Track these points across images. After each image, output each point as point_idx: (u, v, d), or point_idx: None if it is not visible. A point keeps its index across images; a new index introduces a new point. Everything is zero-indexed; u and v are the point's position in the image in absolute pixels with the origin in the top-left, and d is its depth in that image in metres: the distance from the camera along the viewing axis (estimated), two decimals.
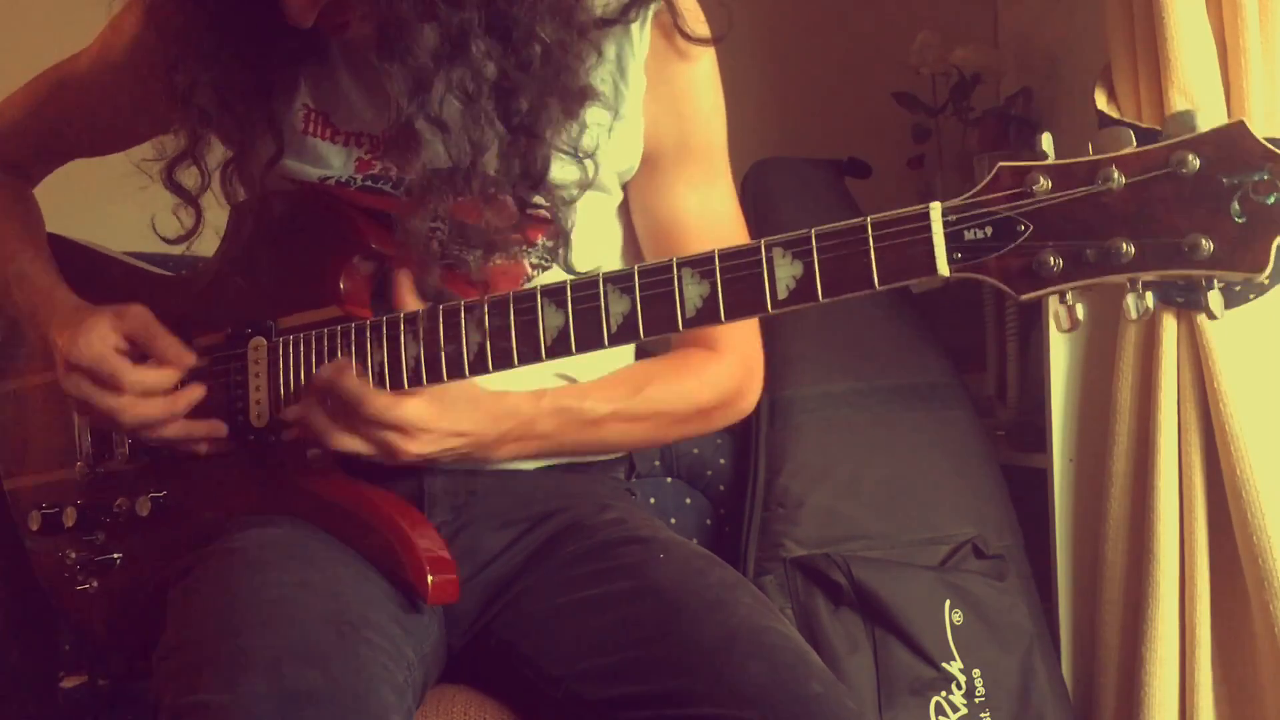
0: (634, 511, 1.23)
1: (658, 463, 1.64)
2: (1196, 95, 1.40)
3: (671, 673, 0.99)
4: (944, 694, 1.54)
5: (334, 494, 1.10)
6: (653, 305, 0.94)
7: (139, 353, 1.14)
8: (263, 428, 1.12)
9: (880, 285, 0.87)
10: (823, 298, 0.89)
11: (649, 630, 1.03)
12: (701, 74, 1.17)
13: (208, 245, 1.22)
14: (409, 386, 1.04)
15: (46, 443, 1.28)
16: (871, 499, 1.65)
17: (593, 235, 1.19)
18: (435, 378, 1.03)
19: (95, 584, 1.23)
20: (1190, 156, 0.79)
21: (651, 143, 1.17)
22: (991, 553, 1.66)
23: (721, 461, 1.68)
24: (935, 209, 0.86)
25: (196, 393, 1.14)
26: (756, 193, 1.35)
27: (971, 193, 0.85)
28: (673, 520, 1.65)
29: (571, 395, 1.15)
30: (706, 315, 0.93)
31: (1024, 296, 0.84)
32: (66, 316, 1.17)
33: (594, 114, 1.09)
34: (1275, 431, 1.46)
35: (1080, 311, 0.84)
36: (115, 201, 1.25)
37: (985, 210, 0.84)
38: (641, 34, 1.13)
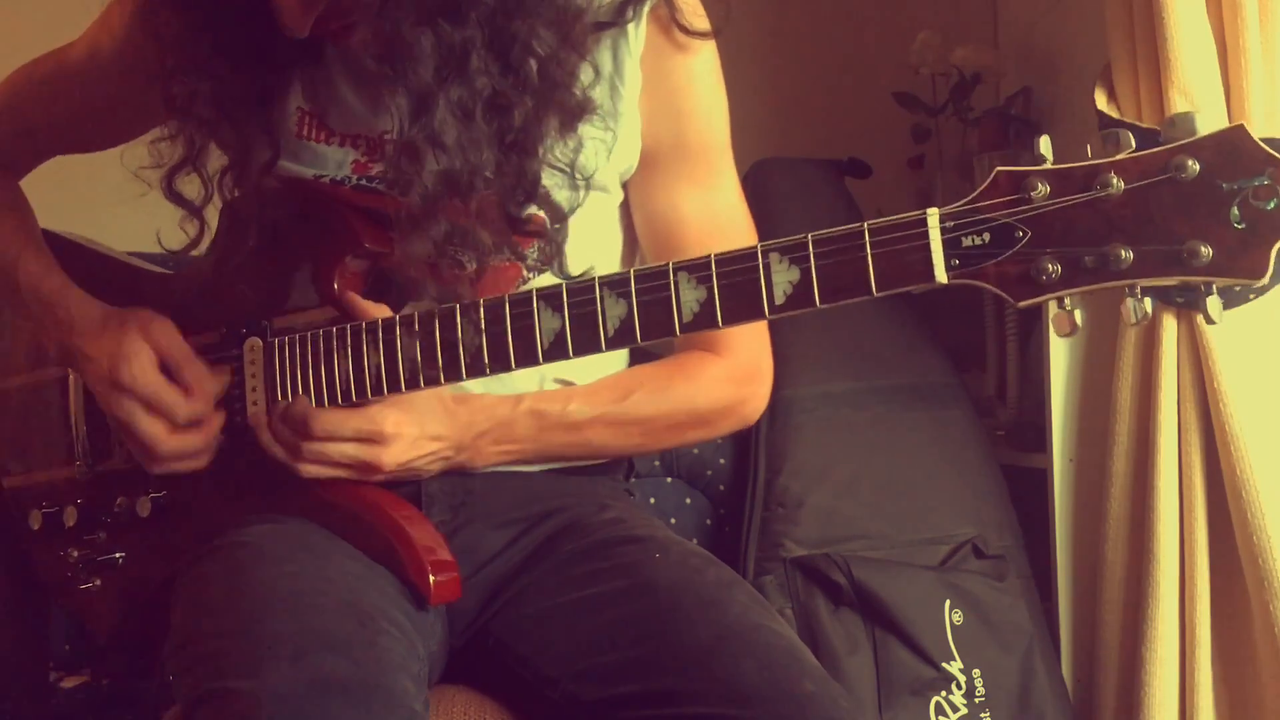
0: (633, 511, 1.23)
1: (657, 463, 1.65)
2: (1196, 95, 1.40)
3: (666, 672, 0.99)
4: (944, 694, 1.54)
5: (334, 495, 1.10)
6: (649, 310, 0.94)
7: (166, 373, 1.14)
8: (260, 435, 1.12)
9: (878, 292, 0.87)
10: (820, 304, 0.89)
11: (644, 629, 1.03)
12: (700, 69, 1.15)
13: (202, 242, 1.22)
14: (406, 389, 1.04)
15: (45, 441, 1.27)
16: (871, 499, 1.65)
17: (591, 235, 1.18)
18: (432, 380, 1.03)
19: (98, 582, 1.23)
20: (1190, 161, 0.78)
21: (649, 140, 1.16)
22: (991, 553, 1.66)
23: (721, 461, 1.68)
24: (933, 215, 0.85)
25: (220, 421, 1.14)
26: (756, 193, 1.35)
27: (969, 198, 0.85)
28: (673, 520, 1.65)
29: (552, 399, 1.15)
30: (704, 320, 0.92)
31: (1022, 303, 0.84)
32: (94, 327, 1.16)
33: (593, 129, 1.08)
34: (1275, 431, 1.46)
35: (1079, 317, 0.84)
36: (113, 204, 1.24)
37: (983, 216, 0.84)
38: (637, 30, 1.11)
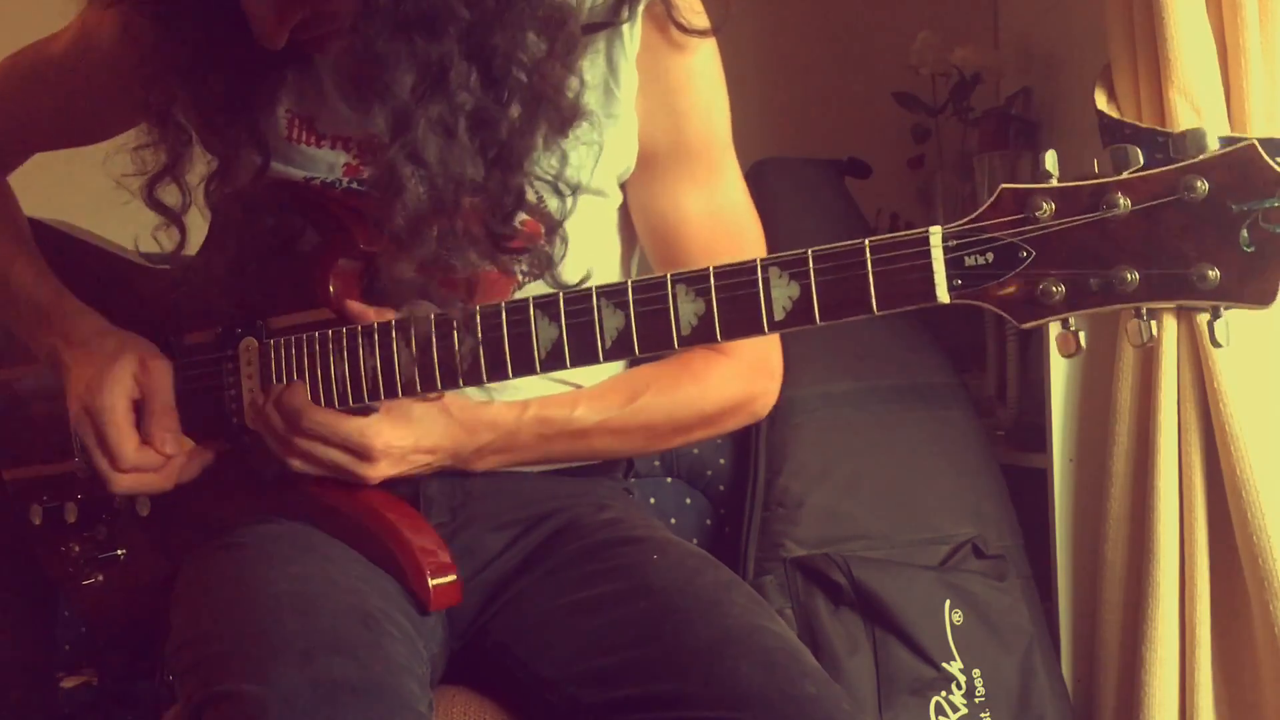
0: (631, 511, 1.23)
1: (657, 463, 1.64)
2: (1196, 95, 1.40)
3: (665, 675, 0.98)
4: (944, 694, 1.54)
5: (335, 500, 1.10)
6: (647, 321, 0.93)
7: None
8: (257, 430, 1.12)
9: (878, 311, 0.86)
10: (820, 321, 0.88)
11: (643, 632, 1.02)
12: (697, 67, 1.14)
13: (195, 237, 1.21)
14: (403, 394, 1.03)
15: (45, 435, 1.26)
16: (871, 499, 1.65)
17: (588, 240, 1.17)
18: (429, 386, 1.02)
19: (100, 578, 1.23)
20: (1199, 182, 0.76)
21: (646, 141, 1.14)
22: (991, 553, 1.66)
23: (721, 461, 1.68)
24: (935, 234, 0.84)
25: (190, 465, 1.14)
26: (756, 193, 1.34)
27: (973, 216, 0.83)
28: (673, 520, 1.65)
29: (558, 405, 1.14)
30: (702, 334, 0.92)
31: (1025, 325, 0.83)
32: (87, 343, 1.15)
33: (582, 135, 1.07)
34: (1275, 431, 1.46)
35: (1083, 338, 0.83)
36: (93, 210, 1.24)
37: (987, 236, 0.82)
38: (632, 30, 1.10)
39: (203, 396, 1.15)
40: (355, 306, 1.07)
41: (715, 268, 0.91)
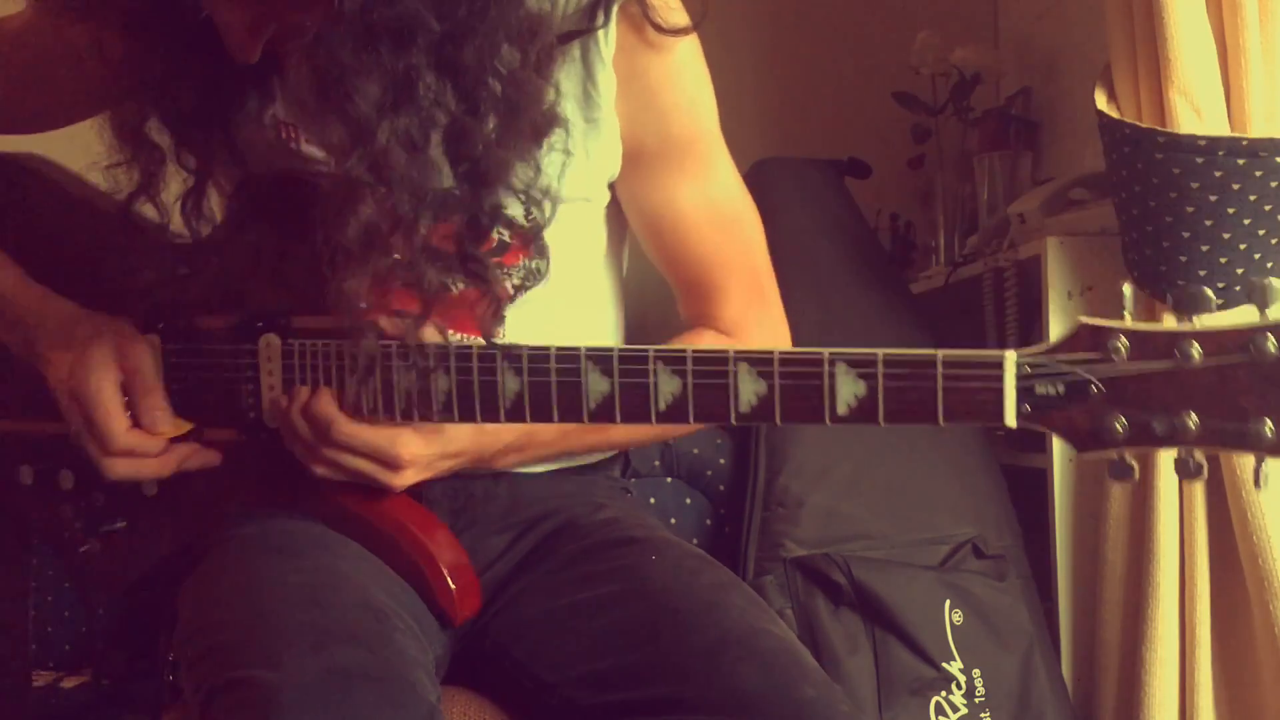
0: (629, 511, 1.23)
1: (657, 463, 1.64)
2: (1196, 95, 1.40)
3: (664, 678, 0.98)
4: (944, 694, 1.54)
5: (354, 505, 1.09)
6: (705, 392, 0.93)
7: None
8: (276, 428, 1.10)
9: (944, 423, 0.87)
10: (884, 423, 0.88)
11: (641, 634, 1.02)
12: (678, 63, 1.12)
13: None
14: (437, 420, 1.02)
15: (35, 389, 1.18)
16: (871, 499, 1.65)
17: (576, 245, 1.18)
18: (468, 418, 1.00)
19: (98, 546, 1.20)
20: (1270, 344, 0.80)
21: (631, 141, 1.13)
22: (991, 553, 1.66)
23: (721, 461, 1.68)
24: (1010, 360, 0.85)
25: (189, 458, 1.11)
26: (756, 193, 1.35)
27: (1049, 346, 0.85)
28: (673, 520, 1.65)
29: None
30: (761, 413, 0.91)
31: (1086, 454, 0.85)
32: (60, 329, 1.11)
33: (558, 142, 1.05)
34: None
35: (1136, 470, 0.86)
36: None
37: (1062, 369, 0.85)
38: (607, 34, 1.09)
39: (216, 385, 1.12)
40: (390, 324, 1.04)
41: (781, 353, 0.91)
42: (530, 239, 1.10)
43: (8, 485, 1.23)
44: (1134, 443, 0.84)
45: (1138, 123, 1.45)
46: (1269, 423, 0.80)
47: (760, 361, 0.91)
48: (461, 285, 1.13)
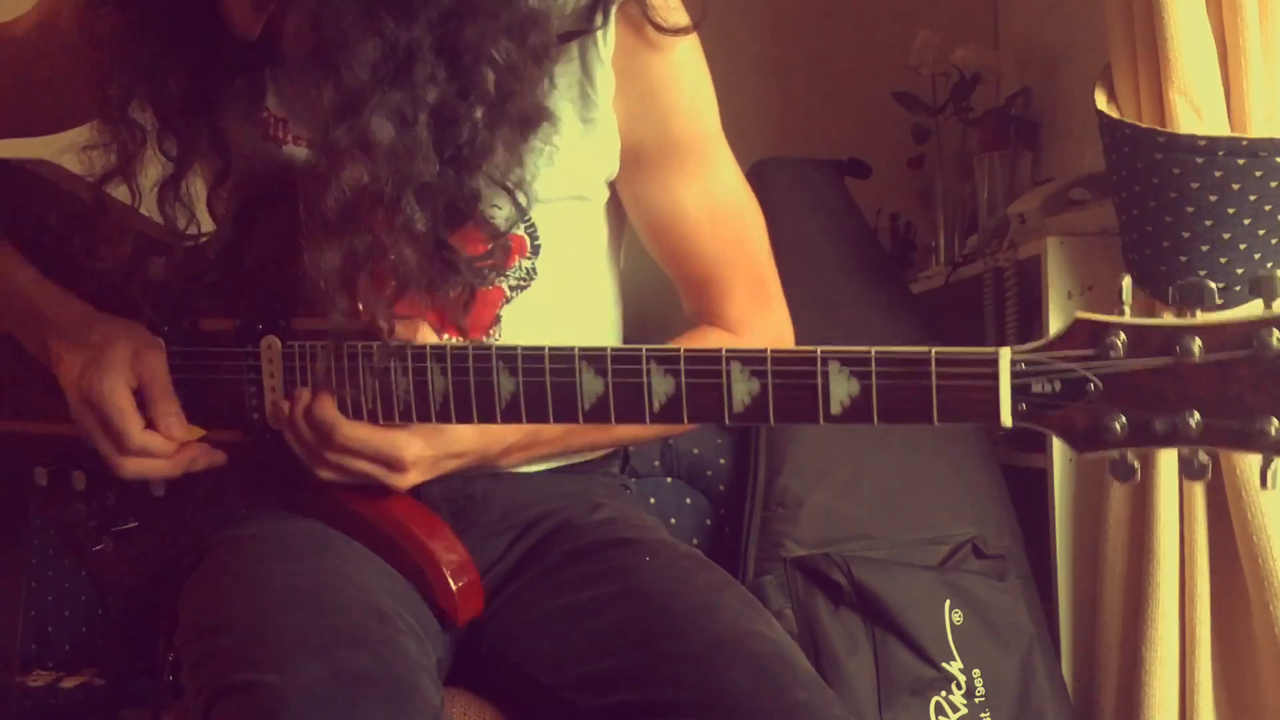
0: (626, 509, 1.22)
1: (657, 463, 1.64)
2: (1196, 95, 1.40)
3: (658, 682, 0.98)
4: (944, 694, 1.54)
5: (357, 506, 1.09)
6: (699, 392, 0.92)
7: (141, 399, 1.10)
8: (280, 430, 1.10)
9: (939, 421, 0.85)
10: (878, 422, 0.87)
11: (635, 636, 1.02)
12: (678, 63, 1.12)
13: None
14: (436, 421, 1.02)
15: (50, 392, 1.19)
16: (871, 499, 1.65)
17: (572, 243, 1.17)
18: (465, 419, 1.00)
19: (111, 545, 1.20)
20: (1274, 338, 0.77)
21: (631, 141, 1.13)
22: (991, 553, 1.66)
23: (721, 461, 1.68)
24: (1004, 356, 0.83)
25: (198, 459, 1.12)
26: (757, 193, 1.35)
27: (1045, 343, 0.83)
28: (673, 520, 1.64)
29: None
30: (754, 413, 0.90)
31: (1085, 455, 0.83)
32: (74, 329, 1.12)
33: (542, 137, 1.04)
34: None
35: (1138, 470, 0.83)
36: None
37: (1057, 365, 0.82)
38: (605, 34, 1.08)
39: (220, 388, 1.13)
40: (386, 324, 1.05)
41: (773, 352, 0.90)
42: (493, 235, 1.09)
43: (23, 486, 1.24)
44: (1134, 442, 0.81)
45: (1138, 123, 1.45)
46: (1275, 421, 0.77)
47: (753, 361, 0.90)
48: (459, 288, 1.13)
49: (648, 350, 0.93)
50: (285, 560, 1.01)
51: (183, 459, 1.11)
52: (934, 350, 0.85)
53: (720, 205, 1.18)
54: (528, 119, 0.99)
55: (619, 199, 1.20)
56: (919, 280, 2.27)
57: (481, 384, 0.99)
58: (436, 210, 0.97)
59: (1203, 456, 0.81)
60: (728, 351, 0.91)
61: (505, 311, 1.16)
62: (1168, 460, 1.51)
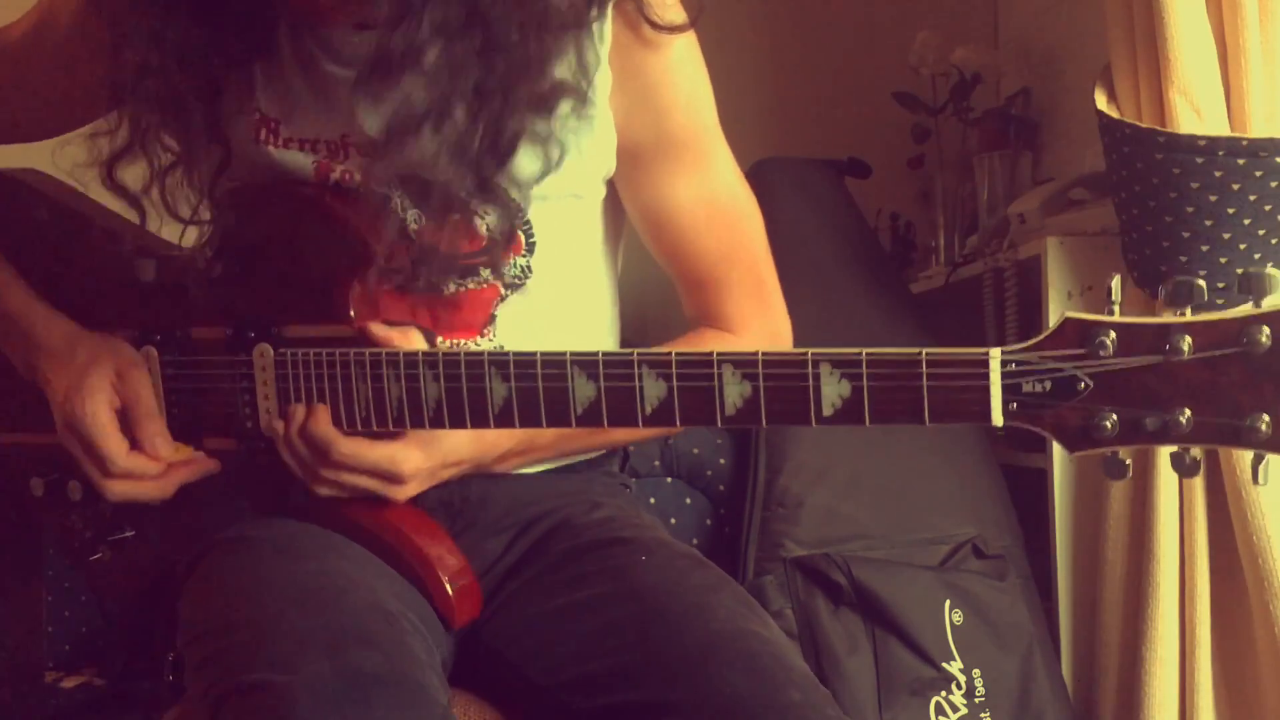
0: (625, 508, 1.22)
1: (657, 463, 1.64)
2: (1196, 95, 1.40)
3: (652, 682, 0.98)
4: (944, 694, 1.54)
5: (354, 512, 1.09)
6: (690, 395, 0.92)
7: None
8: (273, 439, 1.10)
9: (930, 422, 0.85)
10: (870, 423, 0.87)
11: (630, 637, 1.02)
12: (675, 59, 1.12)
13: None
14: (430, 427, 1.02)
15: (45, 404, 1.20)
16: (871, 499, 1.65)
17: (569, 239, 1.17)
18: (458, 425, 1.01)
19: (108, 554, 1.21)
20: (1263, 335, 0.77)
21: (627, 137, 1.13)
22: (991, 553, 1.66)
23: (721, 461, 1.68)
24: (995, 357, 0.83)
25: (188, 479, 1.12)
26: (756, 193, 1.35)
27: (1034, 342, 0.83)
28: (673, 520, 1.64)
29: None
30: (746, 415, 0.91)
31: (1076, 454, 0.83)
32: (60, 351, 1.12)
33: (563, 111, 1.06)
34: None
35: (1130, 467, 0.84)
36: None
37: (1047, 365, 0.82)
38: (602, 29, 1.08)
39: (213, 396, 1.13)
40: (379, 331, 1.05)
41: (764, 354, 0.90)
42: (519, 237, 1.11)
43: (19, 497, 1.24)
44: (1125, 440, 0.81)
45: (1138, 123, 1.45)
46: (1266, 418, 0.77)
47: (745, 364, 0.90)
48: (454, 287, 1.13)
49: (639, 354, 0.94)
50: (288, 561, 1.01)
51: (171, 480, 1.11)
52: (925, 351, 0.85)
53: (718, 203, 1.18)
54: (556, 84, 1.03)
55: (617, 199, 1.20)
56: (919, 280, 2.27)
57: (474, 390, 0.99)
58: (480, 144, 0.99)
59: (1194, 453, 0.82)
60: (719, 354, 0.91)
61: (500, 311, 1.16)
62: (1167, 461, 1.51)
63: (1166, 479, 1.51)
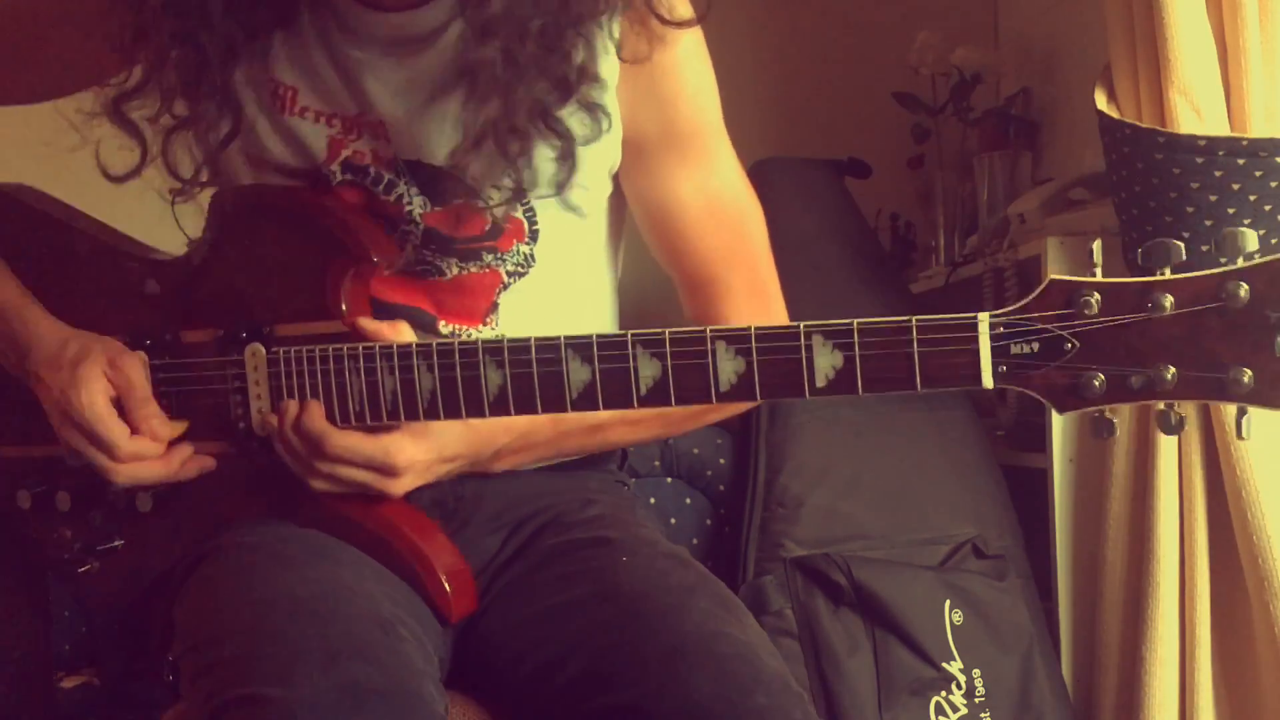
0: (617, 506, 1.22)
1: (657, 463, 1.64)
2: (1196, 95, 1.40)
3: (626, 685, 0.98)
4: (944, 694, 1.54)
5: (348, 509, 1.09)
6: (685, 373, 0.93)
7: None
8: (267, 438, 1.10)
9: (922, 388, 0.87)
10: (863, 392, 0.88)
11: (605, 640, 1.01)
12: (682, 54, 1.12)
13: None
14: (425, 418, 1.02)
15: (31, 414, 1.19)
16: (871, 499, 1.65)
17: (573, 231, 1.18)
18: (453, 414, 1.01)
19: (96, 566, 1.21)
20: (1241, 289, 0.79)
21: (632, 131, 1.13)
22: (991, 553, 1.66)
23: (721, 461, 1.68)
24: (983, 320, 0.85)
25: (189, 461, 1.12)
26: (757, 193, 1.35)
27: (1021, 305, 0.85)
28: (673, 520, 1.65)
29: None
30: (741, 391, 0.91)
31: (1065, 413, 0.85)
32: (51, 351, 1.12)
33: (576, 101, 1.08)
34: (1275, 431, 1.46)
35: (1118, 424, 0.85)
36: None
37: (1034, 327, 0.84)
38: (611, 22, 1.09)
39: (205, 398, 1.13)
40: (371, 325, 1.05)
41: (757, 329, 0.91)
42: (523, 224, 1.11)
43: (6, 511, 1.24)
44: (1113, 398, 0.83)
45: (1138, 123, 1.45)
46: (1247, 371, 0.79)
47: (738, 339, 0.91)
48: (456, 270, 1.13)
49: (633, 335, 0.95)
50: (284, 569, 1.01)
51: (174, 459, 1.11)
52: (915, 318, 0.87)
53: (720, 200, 1.18)
54: (581, 66, 1.06)
55: (620, 197, 1.20)
56: (919, 280, 2.27)
57: (469, 378, 0.99)
58: (502, 114, 1.02)
59: (1180, 409, 0.83)
60: (712, 331, 0.92)
61: (502, 299, 1.16)
62: (1167, 461, 1.51)
63: (1167, 480, 1.51)
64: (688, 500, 1.67)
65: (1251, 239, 0.80)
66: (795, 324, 0.90)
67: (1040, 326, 0.84)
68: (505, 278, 1.15)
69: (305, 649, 0.90)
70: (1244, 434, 0.82)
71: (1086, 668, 1.68)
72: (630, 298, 1.30)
